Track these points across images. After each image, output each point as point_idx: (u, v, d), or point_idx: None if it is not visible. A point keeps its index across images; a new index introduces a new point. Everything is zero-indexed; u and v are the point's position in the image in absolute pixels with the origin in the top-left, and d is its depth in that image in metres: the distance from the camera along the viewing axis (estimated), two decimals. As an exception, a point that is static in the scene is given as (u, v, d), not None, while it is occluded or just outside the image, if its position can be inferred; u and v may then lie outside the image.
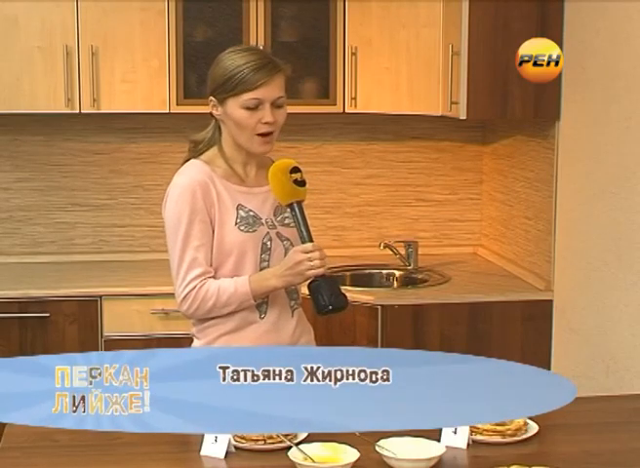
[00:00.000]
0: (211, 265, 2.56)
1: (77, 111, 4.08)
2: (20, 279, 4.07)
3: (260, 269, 2.58)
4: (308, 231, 2.51)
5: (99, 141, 4.45)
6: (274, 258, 2.60)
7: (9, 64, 4.01)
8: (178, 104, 4.11)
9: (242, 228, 2.57)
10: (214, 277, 2.56)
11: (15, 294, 3.86)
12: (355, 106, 4.19)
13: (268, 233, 2.61)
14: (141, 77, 4.09)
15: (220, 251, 2.56)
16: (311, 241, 2.50)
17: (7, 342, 3.85)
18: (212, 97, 2.60)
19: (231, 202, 2.58)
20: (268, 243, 2.60)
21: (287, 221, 2.63)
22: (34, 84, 4.03)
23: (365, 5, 4.13)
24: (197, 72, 4.12)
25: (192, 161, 2.63)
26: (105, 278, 4.08)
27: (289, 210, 2.54)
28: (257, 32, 4.08)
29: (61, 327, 3.86)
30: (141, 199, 4.50)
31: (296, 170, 2.51)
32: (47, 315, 3.85)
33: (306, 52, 4.20)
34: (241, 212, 2.58)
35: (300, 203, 2.52)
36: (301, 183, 2.52)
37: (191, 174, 2.58)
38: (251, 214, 2.59)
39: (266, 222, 2.61)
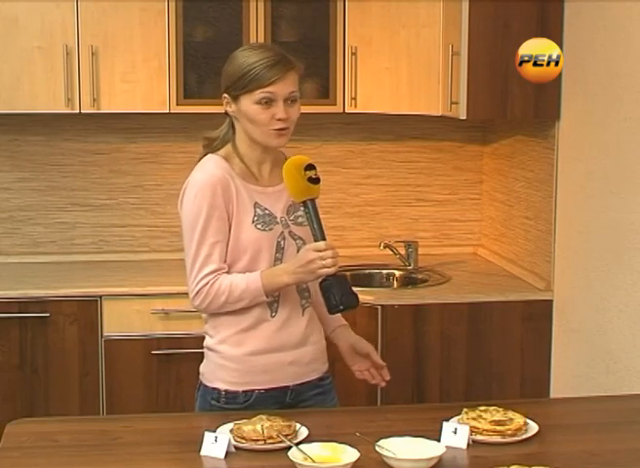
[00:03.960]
0: (225, 262, 2.57)
1: (77, 111, 4.08)
2: (20, 279, 4.07)
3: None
4: (321, 229, 2.51)
5: (99, 141, 4.45)
6: (287, 257, 2.61)
7: (9, 64, 4.01)
8: (178, 104, 4.11)
9: (259, 226, 2.58)
10: (227, 273, 2.57)
11: (15, 294, 3.86)
12: (355, 106, 4.19)
13: (282, 232, 2.62)
14: (141, 77, 4.09)
15: (236, 247, 2.57)
16: (324, 239, 2.51)
17: (7, 342, 3.85)
18: (225, 95, 2.61)
19: (249, 200, 2.59)
20: (282, 242, 2.61)
21: (300, 220, 2.64)
22: (34, 84, 4.03)
23: (365, 5, 4.13)
24: (197, 72, 4.12)
25: (210, 156, 2.63)
26: (105, 278, 4.08)
27: (302, 207, 2.54)
28: (257, 32, 4.08)
29: (61, 327, 3.86)
30: (141, 199, 4.50)
31: (310, 167, 2.52)
32: (47, 315, 3.85)
33: (306, 52, 4.20)
34: (258, 210, 2.59)
35: (313, 200, 2.53)
36: (316, 181, 2.52)
37: (211, 170, 2.58)
38: (267, 212, 2.60)
39: (281, 221, 2.62)
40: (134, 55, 4.07)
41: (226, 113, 2.65)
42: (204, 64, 4.11)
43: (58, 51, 4.01)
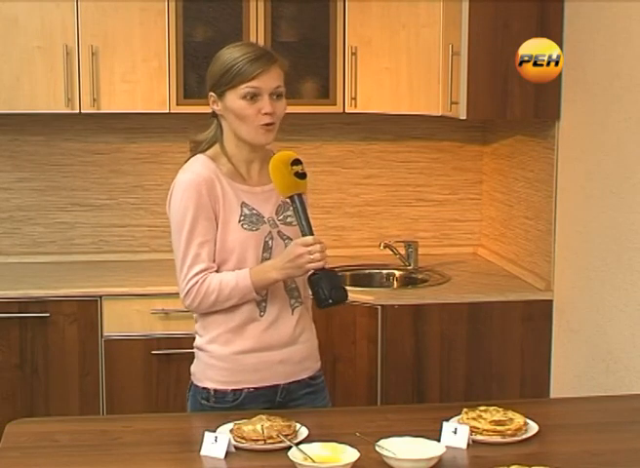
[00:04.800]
0: (214, 261, 2.57)
1: (77, 111, 4.08)
2: (20, 279, 4.07)
3: None
4: (309, 224, 2.52)
5: (99, 141, 4.45)
6: (275, 257, 2.60)
7: (9, 64, 4.01)
8: (178, 104, 4.11)
9: (245, 226, 2.58)
10: (217, 272, 2.57)
11: (15, 294, 3.86)
12: (355, 106, 4.19)
13: (270, 232, 2.61)
14: (141, 77, 4.09)
15: (223, 248, 2.57)
16: (312, 234, 2.51)
17: (7, 342, 3.85)
18: (211, 93, 2.61)
19: (236, 199, 2.59)
20: (270, 241, 2.61)
21: (289, 220, 2.64)
22: (34, 84, 4.03)
23: (365, 5, 4.13)
24: (197, 72, 4.12)
25: (197, 156, 2.64)
26: (105, 278, 4.08)
27: (289, 202, 2.54)
28: (257, 32, 4.08)
29: (61, 327, 3.86)
30: (141, 199, 4.50)
31: (297, 162, 2.52)
32: (47, 315, 3.85)
33: (306, 52, 4.20)
34: (245, 209, 2.59)
35: (300, 195, 2.52)
36: (302, 176, 2.52)
37: (197, 169, 2.59)
38: (254, 212, 2.60)
39: (269, 221, 2.62)
40: (134, 55, 4.07)
41: (213, 114, 2.66)
42: (204, 64, 4.06)
43: (58, 51, 4.01)
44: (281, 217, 2.65)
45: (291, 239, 2.62)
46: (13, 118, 4.31)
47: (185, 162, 2.67)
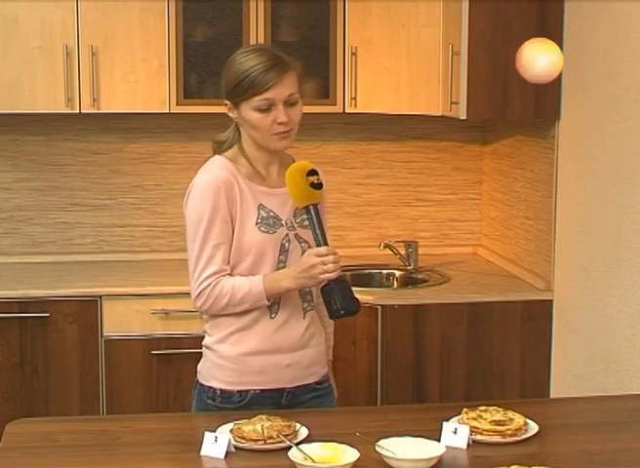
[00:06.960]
0: (228, 264, 2.57)
1: (77, 111, 4.08)
2: (20, 279, 4.07)
3: (277, 270, 2.59)
4: (323, 234, 2.52)
5: (99, 141, 4.45)
6: (291, 260, 2.60)
7: (9, 64, 4.01)
8: (178, 104, 4.10)
9: (262, 229, 2.58)
10: (230, 275, 2.57)
11: (15, 294, 3.86)
12: (355, 106, 4.19)
13: (287, 234, 2.61)
14: (141, 77, 4.09)
15: (239, 249, 2.57)
16: (326, 244, 2.51)
17: (7, 342, 3.85)
18: (227, 101, 2.61)
19: (253, 201, 2.59)
20: (286, 244, 2.61)
21: (306, 224, 2.62)
22: (34, 84, 4.03)
23: (365, 5, 4.13)
24: (197, 72, 4.12)
25: (216, 157, 2.64)
26: (105, 278, 4.08)
27: (305, 212, 2.54)
28: (257, 32, 4.08)
29: (61, 327, 3.86)
30: (141, 199, 4.50)
31: (313, 172, 2.53)
32: (47, 315, 3.85)
33: (306, 52, 4.19)
34: (262, 212, 2.59)
35: (315, 205, 2.53)
36: (318, 186, 2.53)
37: (215, 171, 2.59)
38: (272, 214, 2.60)
39: (286, 224, 2.62)
40: (134, 55, 4.07)
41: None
42: (204, 64, 4.11)
43: (58, 51, 4.01)
44: (299, 220, 2.64)
45: (307, 242, 2.62)
46: (13, 118, 4.31)
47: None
